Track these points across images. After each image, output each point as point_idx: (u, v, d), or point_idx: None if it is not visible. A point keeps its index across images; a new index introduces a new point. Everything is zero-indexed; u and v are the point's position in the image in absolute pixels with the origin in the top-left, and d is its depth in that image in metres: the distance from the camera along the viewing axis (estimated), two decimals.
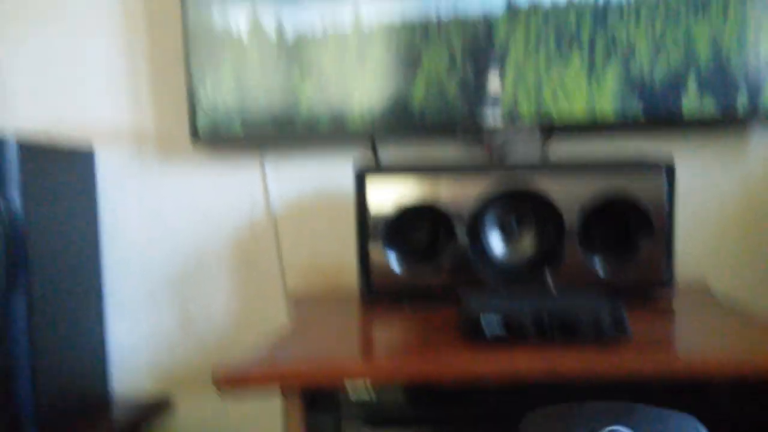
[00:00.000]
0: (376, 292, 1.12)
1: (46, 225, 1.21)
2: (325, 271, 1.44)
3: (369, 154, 1.38)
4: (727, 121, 1.29)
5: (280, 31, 1.30)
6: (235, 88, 1.30)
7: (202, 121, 1.31)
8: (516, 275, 1.11)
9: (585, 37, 1.28)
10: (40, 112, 1.42)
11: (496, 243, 1.13)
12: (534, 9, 1.27)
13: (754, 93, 1.27)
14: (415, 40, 1.29)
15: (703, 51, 1.28)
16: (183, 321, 1.46)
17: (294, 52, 1.30)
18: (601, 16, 1.27)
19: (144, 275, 1.45)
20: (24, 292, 1.15)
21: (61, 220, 1.27)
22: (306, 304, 1.24)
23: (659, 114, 1.29)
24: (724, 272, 1.39)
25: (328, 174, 1.41)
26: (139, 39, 1.40)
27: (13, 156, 1.13)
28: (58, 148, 1.33)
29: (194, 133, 1.31)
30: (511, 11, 1.28)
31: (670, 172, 1.07)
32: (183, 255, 1.45)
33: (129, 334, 1.46)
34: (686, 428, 0.27)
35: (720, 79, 1.27)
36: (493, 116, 1.30)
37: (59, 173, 1.28)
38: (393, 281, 1.12)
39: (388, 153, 1.39)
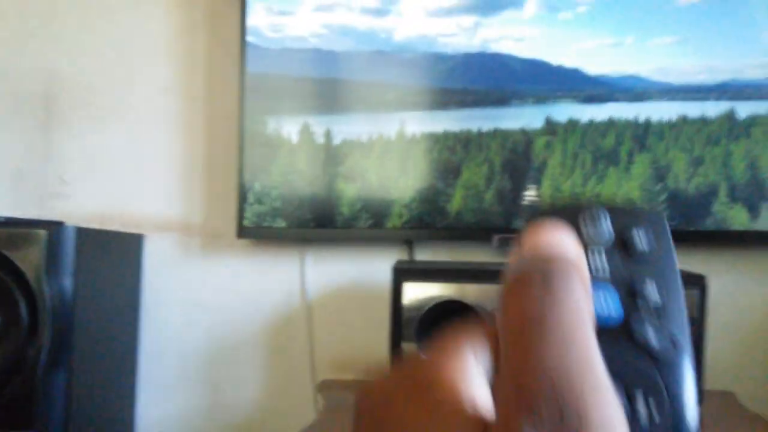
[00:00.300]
0: None
1: (92, 306, 1.26)
2: (356, 362, 1.45)
3: (406, 253, 1.43)
4: (758, 236, 1.32)
5: (327, 136, 1.38)
6: (281, 186, 1.38)
7: (248, 217, 1.37)
8: None
9: (623, 154, 1.34)
10: (98, 201, 1.50)
11: None
12: (572, 125, 1.34)
13: None
14: (456, 150, 1.36)
15: (739, 169, 1.32)
16: (212, 405, 1.47)
17: (339, 155, 1.37)
18: (641, 134, 1.33)
19: (178, 358, 1.48)
20: (65, 370, 1.19)
21: (106, 302, 1.32)
22: (334, 397, 1.25)
23: (694, 227, 1.32)
24: (751, 384, 1.38)
25: (365, 269, 1.45)
26: (197, 139, 1.49)
27: (70, 241, 1.19)
28: (110, 234, 1.40)
29: (240, 227, 1.37)
30: (549, 127, 1.35)
31: (702, 286, 1.09)
32: (218, 341, 1.48)
33: (159, 415, 1.48)
34: (652, 217, 0.32)
35: (754, 194, 1.32)
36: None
37: (109, 258, 1.34)
38: None
39: (425, 253, 1.44)
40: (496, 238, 1.33)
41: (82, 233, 1.22)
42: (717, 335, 1.37)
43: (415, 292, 1.14)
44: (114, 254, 1.37)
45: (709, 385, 1.17)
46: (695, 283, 1.10)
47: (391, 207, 1.37)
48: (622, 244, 0.31)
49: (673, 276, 0.32)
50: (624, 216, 0.33)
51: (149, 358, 1.49)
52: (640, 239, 0.32)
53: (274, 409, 1.47)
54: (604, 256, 0.31)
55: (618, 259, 0.31)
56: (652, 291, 0.31)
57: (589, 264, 0.31)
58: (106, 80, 1.51)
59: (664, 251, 0.32)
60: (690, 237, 1.35)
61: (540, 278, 0.26)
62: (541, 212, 0.32)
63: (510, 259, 0.28)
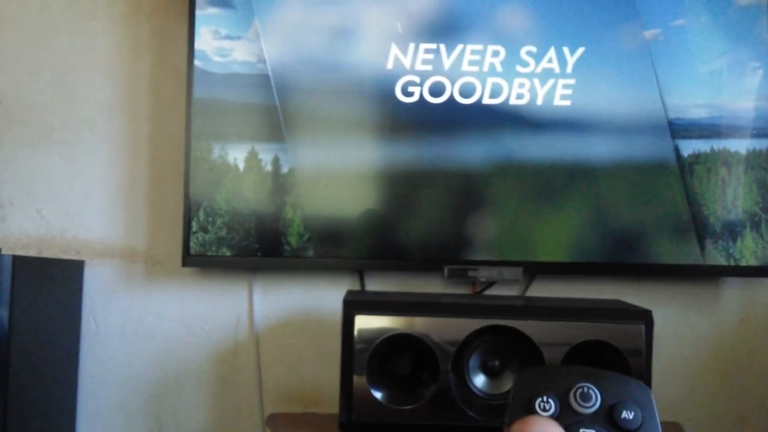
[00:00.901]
0: (356, 423, 1.12)
1: (29, 337, 1.21)
2: (305, 394, 1.43)
3: (357, 282, 1.42)
4: (701, 270, 1.36)
5: (275, 164, 1.36)
6: (227, 214, 1.35)
7: (193, 245, 1.34)
8: (497, 410, 1.12)
9: (570, 191, 1.36)
10: (35, 226, 1.44)
11: (478, 378, 1.15)
12: (517, 161, 1.35)
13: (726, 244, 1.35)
14: (406, 180, 1.36)
15: (681, 205, 1.36)
16: None
17: (287, 184, 1.35)
18: (581, 174, 1.36)
19: (119, 390, 1.43)
20: (0, 403, 1.13)
21: (44, 332, 1.27)
22: (283, 429, 1.23)
23: (637, 262, 1.35)
24: (698, 414, 1.42)
25: (314, 298, 1.43)
26: (140, 162, 1.45)
27: (6, 268, 1.14)
28: (48, 261, 1.34)
29: (186, 254, 1.34)
30: (501, 165, 1.35)
31: (648, 320, 1.12)
32: (161, 372, 1.43)
33: None
34: (640, 393, 0.33)
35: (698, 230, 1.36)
36: (479, 257, 1.35)
37: (48, 286, 1.29)
38: (374, 412, 1.12)
39: (376, 283, 1.43)
40: (446, 269, 1.33)
41: (19, 261, 1.17)
42: (663, 367, 1.40)
43: (367, 324, 1.13)
44: (53, 282, 1.32)
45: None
46: (641, 317, 1.12)
47: (341, 236, 1.36)
48: (612, 421, 0.32)
49: None
50: (613, 390, 0.33)
51: (89, 391, 1.43)
52: (629, 417, 0.33)
53: None
54: None
55: None
56: None
57: None
58: (45, 99, 1.45)
59: (650, 428, 0.33)
60: (634, 271, 1.38)
61: None
62: (533, 380, 0.32)
63: None
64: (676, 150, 1.37)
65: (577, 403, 0.33)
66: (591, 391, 0.33)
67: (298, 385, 1.43)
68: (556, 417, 0.36)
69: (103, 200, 1.45)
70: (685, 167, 1.37)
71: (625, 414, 0.33)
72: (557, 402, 0.34)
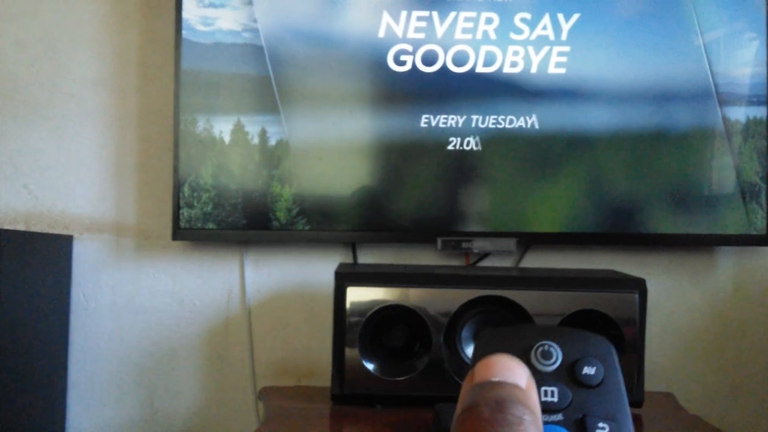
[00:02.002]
0: (348, 395, 1.12)
1: (18, 313, 1.19)
2: (298, 366, 1.42)
3: (349, 255, 1.40)
4: (693, 238, 1.35)
5: (262, 136, 1.34)
6: (213, 189, 1.33)
7: (184, 217, 1.32)
8: None
9: (564, 160, 1.34)
10: (23, 201, 1.42)
11: (470, 349, 1.14)
12: (512, 131, 1.33)
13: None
14: (401, 153, 1.34)
15: (674, 175, 1.35)
16: (148, 415, 1.42)
17: (274, 157, 1.33)
18: (574, 143, 1.34)
19: (111, 366, 1.42)
20: None
21: (33, 308, 1.25)
22: (276, 402, 1.22)
23: (631, 231, 1.34)
24: (691, 385, 1.42)
25: (306, 271, 1.42)
26: (129, 136, 1.42)
27: None
28: (37, 236, 1.33)
29: (176, 228, 1.32)
30: (495, 134, 1.34)
31: (642, 289, 1.11)
32: (153, 347, 1.42)
33: (91, 427, 1.42)
34: (602, 347, 0.34)
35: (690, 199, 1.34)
36: (472, 229, 1.34)
37: (36, 261, 1.27)
38: (366, 384, 1.12)
39: (368, 256, 1.41)
40: (440, 240, 1.32)
41: (6, 235, 1.16)
42: (656, 337, 1.40)
43: (358, 297, 1.12)
44: (41, 257, 1.30)
45: (649, 386, 1.19)
46: (635, 286, 1.11)
47: (333, 209, 1.34)
48: (573, 377, 0.33)
49: (623, 407, 0.33)
50: (574, 346, 0.34)
51: (80, 367, 1.42)
52: (591, 372, 0.33)
53: (214, 418, 1.43)
54: (555, 389, 0.32)
55: (569, 393, 0.33)
56: (603, 426, 0.32)
57: (540, 399, 0.32)
58: (31, 74, 1.42)
59: (612, 382, 0.33)
60: (628, 241, 1.37)
61: (491, 406, 0.27)
62: (494, 340, 0.33)
63: (462, 389, 0.29)
64: (669, 119, 1.35)
65: (538, 361, 0.34)
66: (552, 349, 0.34)
67: (291, 358, 1.43)
68: None
69: (91, 175, 1.43)
70: (678, 137, 1.35)
71: (586, 369, 0.33)
72: None
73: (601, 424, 0.32)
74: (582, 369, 0.33)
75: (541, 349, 0.33)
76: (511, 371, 0.29)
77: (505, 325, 1.14)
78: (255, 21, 1.33)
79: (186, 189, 1.32)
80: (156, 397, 1.43)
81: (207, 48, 1.32)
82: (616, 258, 1.41)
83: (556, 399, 0.32)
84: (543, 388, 0.32)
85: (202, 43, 1.32)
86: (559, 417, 0.32)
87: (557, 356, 0.33)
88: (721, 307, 1.43)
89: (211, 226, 1.33)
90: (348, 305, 1.12)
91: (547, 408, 0.32)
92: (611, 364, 0.34)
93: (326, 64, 1.34)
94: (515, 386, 0.28)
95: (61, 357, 1.37)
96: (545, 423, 0.31)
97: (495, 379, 0.29)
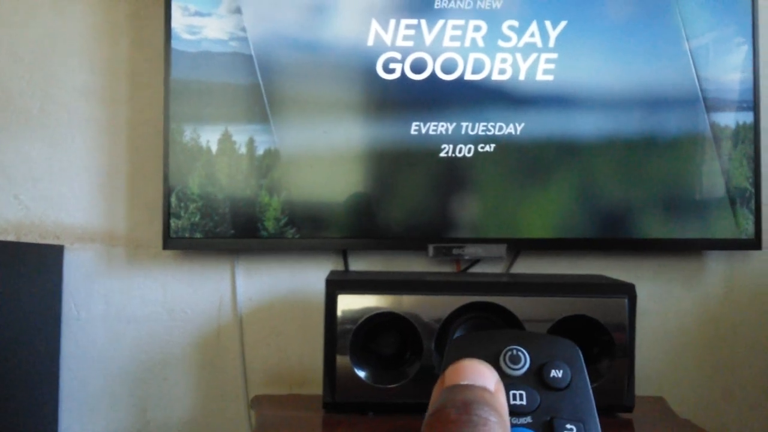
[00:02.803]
0: (340, 403, 1.12)
1: (9, 323, 1.19)
2: (291, 375, 1.42)
3: (341, 263, 1.40)
4: (683, 243, 1.36)
5: (250, 145, 1.34)
6: (201, 199, 1.33)
7: (174, 226, 1.32)
8: None
9: (553, 166, 1.35)
10: (13, 212, 1.42)
11: None
12: (501, 138, 1.34)
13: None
14: (391, 161, 1.34)
15: (663, 182, 1.35)
16: (140, 425, 1.42)
17: (262, 166, 1.33)
18: (563, 149, 1.35)
19: (103, 376, 1.42)
20: None
21: (24, 318, 1.25)
22: (268, 411, 1.22)
23: (620, 236, 1.35)
24: (681, 389, 1.42)
25: (298, 280, 1.42)
26: (119, 146, 1.43)
27: None
28: (27, 247, 1.32)
29: (167, 237, 1.32)
30: (484, 141, 1.34)
31: (632, 295, 1.11)
32: (145, 357, 1.42)
33: None
34: (568, 351, 0.35)
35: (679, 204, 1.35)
36: (463, 235, 1.34)
37: (27, 272, 1.27)
38: (358, 391, 1.12)
39: (360, 263, 1.41)
40: (431, 247, 1.32)
41: None
42: (647, 342, 1.41)
43: (350, 304, 1.12)
44: (32, 267, 1.30)
45: (640, 391, 1.20)
46: (625, 291, 1.11)
47: (323, 217, 1.34)
48: (541, 380, 0.34)
49: (590, 408, 0.34)
50: (542, 351, 0.35)
51: (72, 377, 1.42)
52: (558, 375, 0.34)
53: (206, 427, 1.42)
54: (524, 393, 0.33)
55: (537, 396, 0.33)
56: (570, 428, 0.33)
57: (508, 402, 0.32)
58: (22, 85, 1.42)
59: (579, 385, 0.34)
60: (618, 246, 1.38)
61: (458, 408, 0.28)
62: (464, 345, 0.34)
63: (433, 393, 0.30)
64: (658, 126, 1.36)
65: (507, 365, 0.34)
66: (519, 353, 0.35)
67: (284, 366, 1.43)
68: None
69: (82, 185, 1.43)
70: (666, 144, 1.36)
71: (553, 372, 0.34)
72: None
73: (568, 426, 0.32)
74: (549, 372, 0.34)
75: (509, 353, 0.34)
76: (480, 375, 0.30)
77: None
78: (243, 30, 1.33)
79: (173, 199, 1.32)
80: (149, 406, 1.42)
81: (194, 57, 1.33)
82: (606, 263, 1.42)
83: (524, 402, 0.33)
84: (512, 392, 0.33)
85: (189, 52, 1.33)
86: (528, 420, 0.32)
87: (525, 360, 0.34)
88: (712, 312, 1.44)
89: (198, 236, 1.32)
90: (339, 313, 1.12)
91: (515, 411, 0.32)
92: (578, 367, 0.34)
93: (316, 72, 1.34)
94: (483, 389, 0.29)
95: (52, 367, 1.37)
96: (514, 425, 0.32)
97: (464, 382, 0.29)
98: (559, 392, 0.33)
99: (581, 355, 0.35)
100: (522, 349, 0.34)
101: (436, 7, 1.33)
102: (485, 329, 1.14)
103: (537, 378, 0.34)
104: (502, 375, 0.33)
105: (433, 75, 1.33)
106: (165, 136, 1.32)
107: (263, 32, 1.33)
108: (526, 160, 1.35)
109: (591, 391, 0.34)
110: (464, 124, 1.34)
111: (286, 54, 1.34)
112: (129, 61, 1.43)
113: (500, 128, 1.34)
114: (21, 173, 1.42)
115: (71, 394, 1.41)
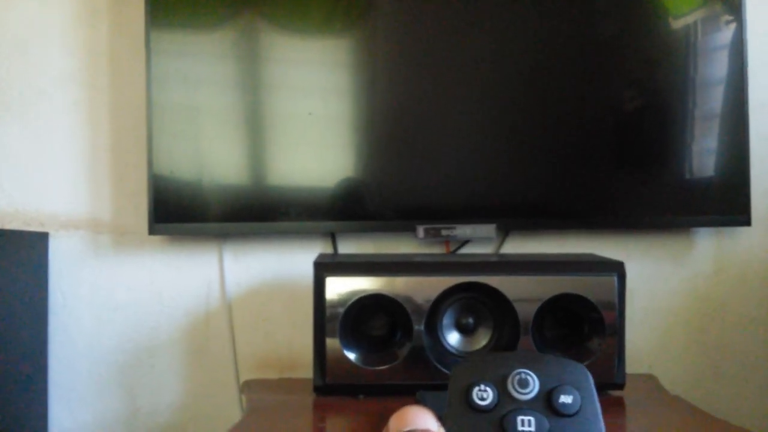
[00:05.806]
0: (331, 386, 1.11)
1: None
2: (281, 359, 1.42)
3: (329, 245, 1.40)
4: (673, 220, 1.36)
5: (243, 112, 1.33)
6: (191, 182, 1.32)
7: (160, 212, 1.31)
8: None
9: (543, 145, 1.34)
10: None
11: (452, 337, 1.14)
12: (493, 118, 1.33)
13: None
14: (378, 140, 1.33)
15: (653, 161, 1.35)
16: (130, 412, 1.41)
17: (255, 140, 1.32)
18: (556, 126, 1.34)
19: (91, 363, 1.41)
20: None
21: (10, 307, 1.24)
22: (258, 395, 1.22)
23: (609, 214, 1.35)
24: (672, 366, 1.43)
25: (286, 263, 1.41)
26: (102, 131, 1.41)
27: None
28: (11, 234, 1.31)
29: (153, 222, 1.31)
30: (472, 120, 1.33)
31: (621, 272, 1.11)
32: (133, 343, 1.41)
33: (73, 425, 1.40)
34: (578, 375, 0.34)
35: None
36: (453, 216, 1.33)
37: (11, 259, 1.25)
38: (348, 374, 1.11)
39: (349, 246, 1.41)
40: (420, 228, 1.31)
41: None
42: (637, 320, 1.41)
43: (339, 287, 1.11)
44: (16, 255, 1.28)
45: (631, 369, 1.20)
46: (614, 269, 1.11)
47: (311, 200, 1.33)
48: (550, 406, 0.32)
49: None
50: (551, 374, 0.34)
51: (60, 365, 1.41)
52: (568, 401, 0.33)
53: (197, 413, 1.42)
54: (532, 419, 0.32)
55: (546, 422, 0.32)
56: None
57: (517, 428, 0.31)
58: (2, 72, 1.40)
59: (590, 411, 0.34)
60: (608, 224, 1.37)
61: None
62: (471, 368, 0.33)
63: None
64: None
65: (515, 389, 0.33)
66: (528, 377, 0.33)
67: (273, 350, 1.42)
68: (495, 404, 0.36)
69: (65, 171, 1.41)
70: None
71: (563, 398, 0.33)
72: (495, 390, 0.33)
73: None
74: (559, 398, 0.32)
75: (518, 377, 0.33)
76: (422, 418, 0.31)
77: (484, 313, 1.14)
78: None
79: (159, 184, 1.31)
80: (137, 392, 1.41)
81: None
82: (596, 242, 1.42)
83: (533, 429, 0.31)
84: (520, 417, 0.31)
85: None
86: None
87: (534, 384, 0.33)
88: (702, 289, 1.44)
89: (185, 221, 1.31)
90: (328, 296, 1.11)
91: None
92: (588, 392, 0.33)
93: (305, 47, 1.32)
94: (426, 431, 0.31)
95: (40, 356, 1.36)
96: None
97: (407, 429, 0.31)
98: (569, 418, 0.32)
99: (591, 379, 0.33)
100: (531, 373, 0.33)
101: None
102: (475, 309, 1.14)
103: (546, 403, 0.32)
104: (510, 399, 0.32)
105: None
106: (148, 121, 1.31)
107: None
108: (515, 139, 1.34)
109: (601, 418, 0.33)
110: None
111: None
112: (109, 46, 1.41)
113: (487, 104, 1.32)
114: (2, 161, 1.40)
115: (60, 382, 1.40)
